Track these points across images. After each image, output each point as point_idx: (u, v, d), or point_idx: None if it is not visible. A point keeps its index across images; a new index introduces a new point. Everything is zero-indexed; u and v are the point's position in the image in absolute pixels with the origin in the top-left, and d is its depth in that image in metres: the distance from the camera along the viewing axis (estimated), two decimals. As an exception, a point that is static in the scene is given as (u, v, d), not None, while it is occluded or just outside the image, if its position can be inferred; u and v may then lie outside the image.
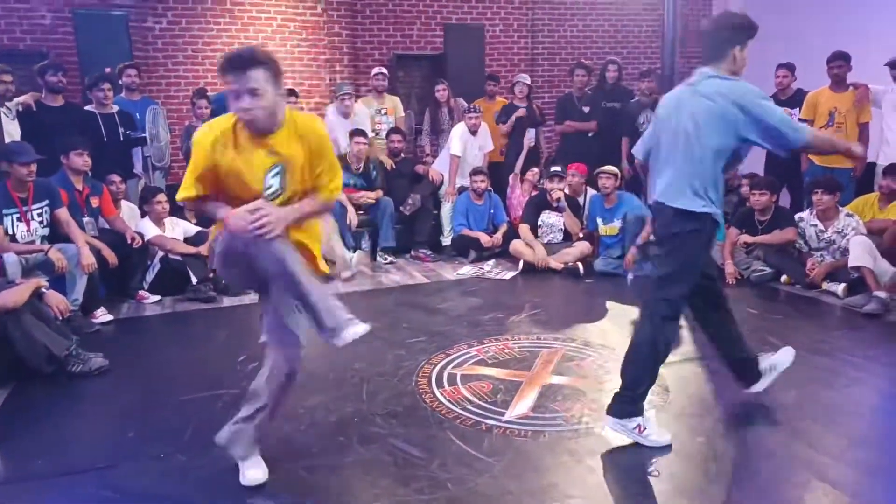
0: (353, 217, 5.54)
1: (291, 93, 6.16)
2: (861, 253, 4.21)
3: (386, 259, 5.68)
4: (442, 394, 3.05)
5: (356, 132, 5.75)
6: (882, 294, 4.11)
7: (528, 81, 6.33)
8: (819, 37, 6.85)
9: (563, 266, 5.15)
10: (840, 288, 4.38)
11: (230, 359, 3.53)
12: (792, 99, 5.58)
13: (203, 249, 4.61)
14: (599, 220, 5.29)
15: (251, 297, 4.65)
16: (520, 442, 2.62)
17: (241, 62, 2.01)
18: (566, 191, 5.45)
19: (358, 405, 2.97)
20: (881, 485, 2.33)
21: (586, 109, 6.19)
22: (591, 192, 5.63)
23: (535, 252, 5.22)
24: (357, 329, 2.10)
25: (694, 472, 2.40)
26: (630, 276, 4.83)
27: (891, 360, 3.47)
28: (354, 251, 5.41)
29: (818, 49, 5.44)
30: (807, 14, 7.23)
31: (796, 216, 4.82)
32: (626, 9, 8.70)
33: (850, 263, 4.22)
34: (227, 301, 4.58)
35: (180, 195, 2.17)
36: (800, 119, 5.40)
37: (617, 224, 5.18)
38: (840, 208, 4.62)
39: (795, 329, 3.90)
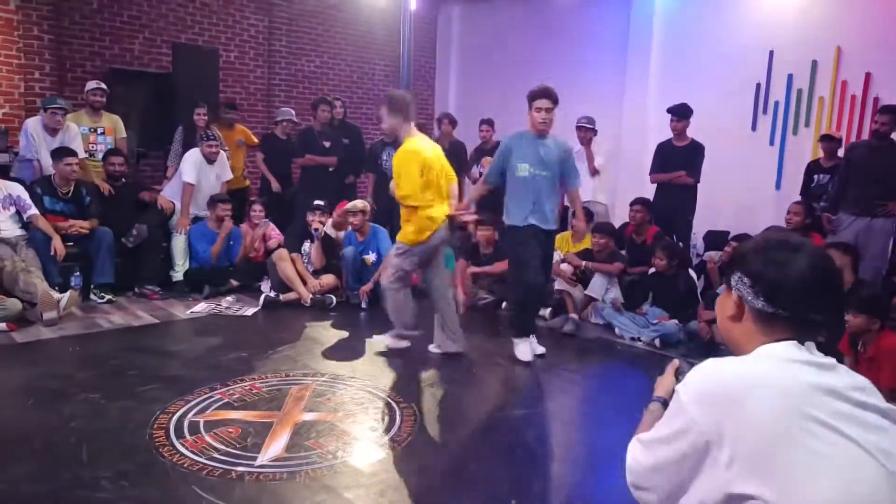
0: (59, 248, 4.75)
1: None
2: (563, 281, 4.99)
3: (102, 298, 4.98)
4: (183, 444, 2.77)
5: (63, 151, 4.99)
6: (575, 316, 4.91)
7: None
8: (518, 94, 8.09)
9: (313, 295, 5.17)
10: (547, 312, 5.11)
11: None
12: (493, 149, 6.44)
13: None
14: (350, 248, 5.38)
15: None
16: (275, 485, 2.50)
17: None
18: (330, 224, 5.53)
19: (77, 470, 2.54)
20: (600, 477, 2.76)
21: (327, 144, 6.29)
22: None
23: (309, 284, 5.20)
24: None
25: (443, 490, 2.56)
26: (363, 304, 5.21)
27: (589, 371, 4.17)
28: (62, 289, 4.64)
29: (516, 107, 6.45)
30: (508, 76, 8.45)
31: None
32: (362, 52, 9.12)
33: (556, 286, 4.99)
34: None
35: None
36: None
37: (372, 256, 5.36)
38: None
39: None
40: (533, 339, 4.14)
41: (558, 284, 5.05)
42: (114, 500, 2.33)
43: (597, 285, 5.03)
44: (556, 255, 5.29)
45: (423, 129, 4.09)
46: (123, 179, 5.54)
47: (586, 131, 5.88)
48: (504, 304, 5.35)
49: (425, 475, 2.65)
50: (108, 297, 5.00)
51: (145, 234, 5.25)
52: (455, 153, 6.78)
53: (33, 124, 5.23)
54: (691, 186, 5.58)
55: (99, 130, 5.61)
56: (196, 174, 5.56)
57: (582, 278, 5.20)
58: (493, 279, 5.41)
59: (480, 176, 6.65)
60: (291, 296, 5.16)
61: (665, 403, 1.31)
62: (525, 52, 8.52)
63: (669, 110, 5.62)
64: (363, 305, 5.20)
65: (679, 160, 5.54)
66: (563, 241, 5.61)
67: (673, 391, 1.16)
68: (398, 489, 2.52)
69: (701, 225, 6.17)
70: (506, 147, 4.09)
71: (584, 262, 5.13)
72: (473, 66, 9.48)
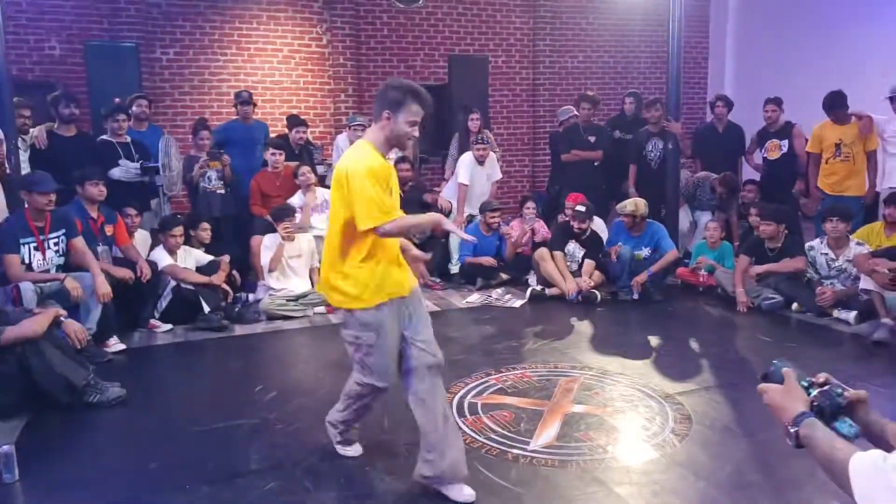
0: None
1: (299, 122, 6.23)
2: (872, 280, 4.26)
3: (394, 287, 5.67)
4: (465, 423, 3.04)
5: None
6: (890, 322, 4.14)
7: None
8: (812, 68, 7.08)
9: (581, 292, 5.20)
10: (851, 315, 4.41)
11: (246, 388, 3.50)
12: (780, 131, 5.81)
13: (215, 279, 4.60)
14: (625, 247, 5.25)
15: (263, 326, 4.66)
16: (547, 471, 2.61)
17: (428, 101, 2.29)
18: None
19: (381, 435, 2.95)
20: None
21: (592, 139, 6.27)
22: (596, 220, 5.71)
23: (566, 282, 5.23)
24: None
25: (724, 501, 2.39)
26: (635, 296, 5.12)
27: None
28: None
29: (807, 83, 5.64)
30: (799, 49, 7.44)
31: (807, 245, 4.86)
32: (626, 41, 8.88)
33: (861, 285, 4.29)
34: (238, 330, 4.56)
35: (389, 218, 2.23)
36: (807, 151, 5.51)
37: (645, 251, 5.25)
38: (850, 237, 4.68)
39: (811, 357, 3.92)
40: None
41: (865, 283, 4.32)
42: (412, 466, 2.61)
43: (919, 286, 4.18)
44: (864, 249, 4.55)
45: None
46: (410, 183, 6.23)
47: None
48: (794, 304, 4.76)
49: (702, 481, 2.51)
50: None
51: (428, 232, 5.83)
52: (731, 137, 6.25)
53: (342, 139, 6.19)
54: None
55: (390, 141, 6.40)
56: (469, 175, 6.00)
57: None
58: (782, 278, 4.83)
59: (763, 162, 6.03)
60: (556, 290, 5.28)
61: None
62: (822, 19, 7.43)
63: None
64: (635, 297, 5.10)
65: None
66: (873, 233, 4.80)
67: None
68: (674, 492, 2.43)
69: None
70: None
71: None
72: (754, 41, 8.57)
